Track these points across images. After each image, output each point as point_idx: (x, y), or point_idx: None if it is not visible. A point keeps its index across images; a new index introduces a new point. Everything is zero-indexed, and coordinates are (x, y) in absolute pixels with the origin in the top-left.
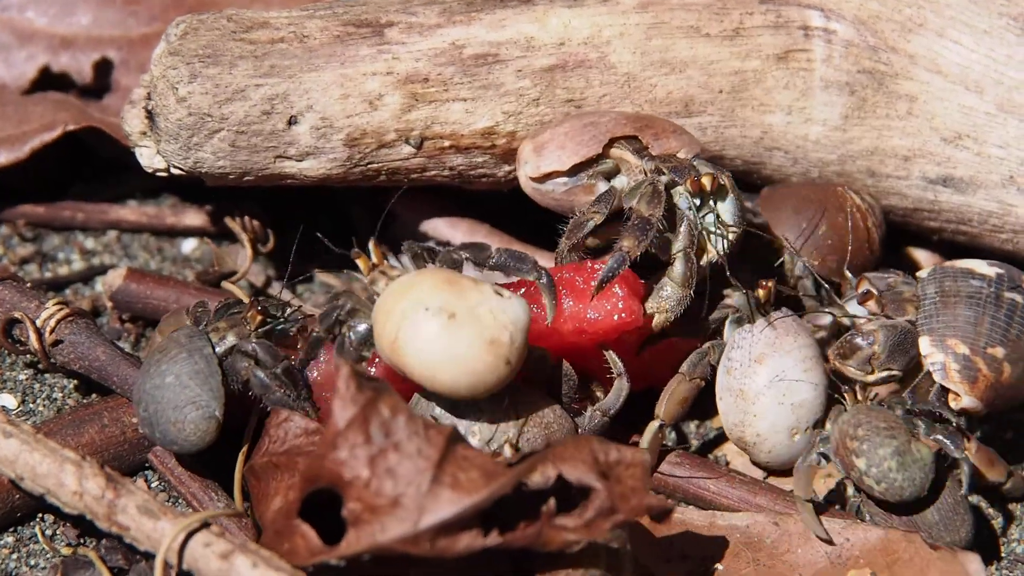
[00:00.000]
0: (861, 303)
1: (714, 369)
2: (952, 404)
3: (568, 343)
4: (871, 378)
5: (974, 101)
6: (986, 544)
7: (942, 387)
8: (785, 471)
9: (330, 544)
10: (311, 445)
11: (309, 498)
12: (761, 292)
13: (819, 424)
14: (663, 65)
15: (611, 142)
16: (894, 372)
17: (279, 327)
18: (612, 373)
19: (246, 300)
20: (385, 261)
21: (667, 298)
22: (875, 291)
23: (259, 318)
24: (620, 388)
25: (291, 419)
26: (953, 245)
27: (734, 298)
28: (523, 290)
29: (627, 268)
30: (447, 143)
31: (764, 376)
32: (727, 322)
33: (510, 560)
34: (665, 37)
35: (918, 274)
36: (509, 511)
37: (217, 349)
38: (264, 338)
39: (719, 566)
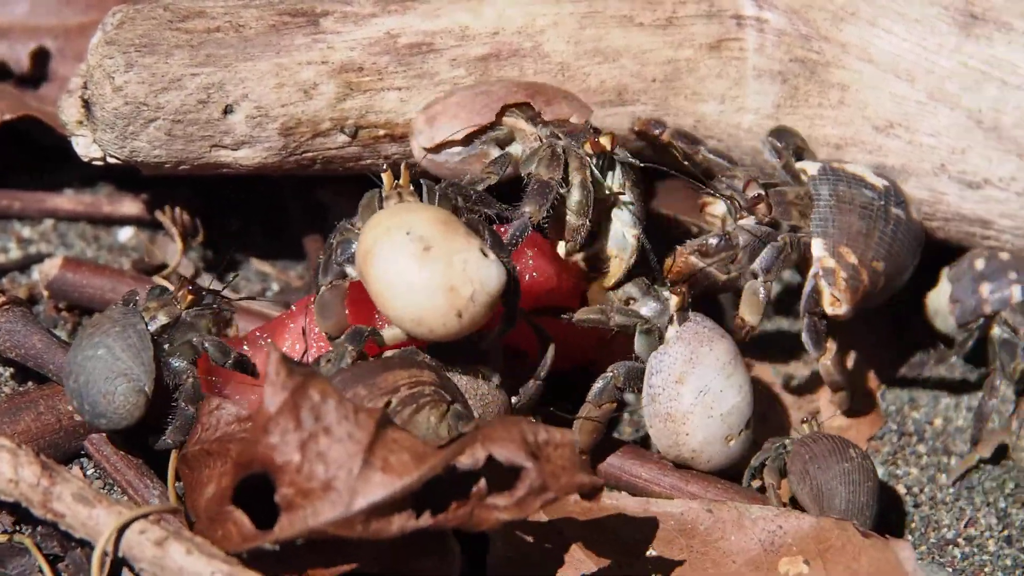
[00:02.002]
0: (751, 208)
1: (621, 390)
2: (829, 309)
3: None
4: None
5: (905, 90)
6: (917, 530)
7: (819, 289)
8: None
9: (264, 529)
10: (244, 432)
11: (243, 484)
12: (675, 299)
13: (751, 423)
14: (596, 54)
15: (503, 110)
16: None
17: (214, 309)
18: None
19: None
20: (412, 189)
21: (569, 228)
22: (764, 193)
23: (190, 297)
24: (547, 357)
25: (222, 407)
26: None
27: (643, 304)
28: None
29: (533, 232)
30: (382, 132)
31: (688, 395)
32: (637, 335)
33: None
34: (599, 26)
35: (806, 170)
36: (441, 493)
37: (150, 327)
38: (197, 319)
39: (652, 552)
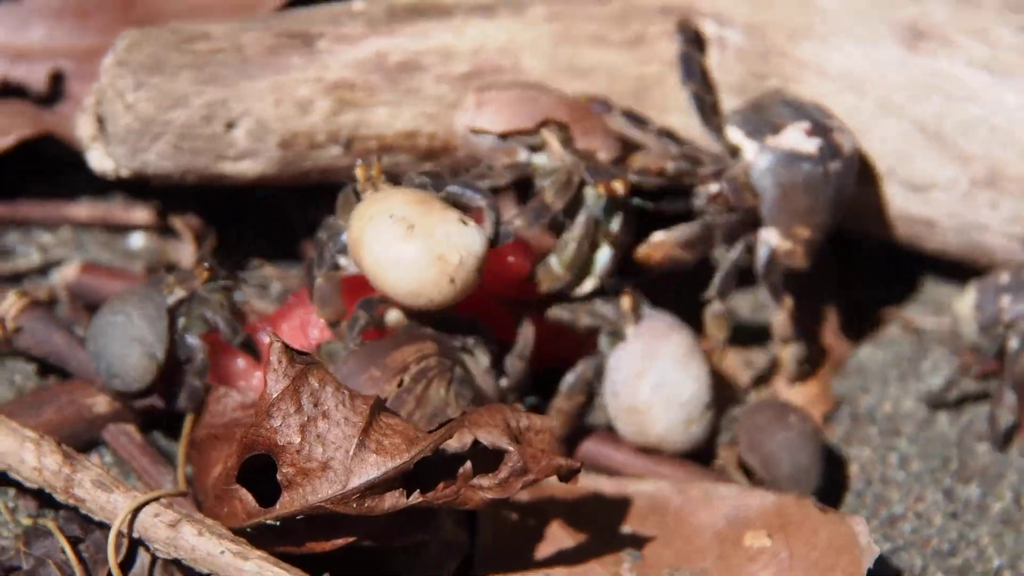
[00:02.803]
0: (712, 201)
1: (591, 385)
2: (787, 262)
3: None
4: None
5: (856, 101)
6: (870, 507)
7: (777, 262)
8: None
9: (267, 507)
10: (248, 417)
11: (247, 465)
12: (627, 300)
13: (711, 406)
14: (571, 70)
15: (544, 122)
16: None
17: (226, 285)
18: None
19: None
20: (384, 180)
21: (554, 276)
22: (720, 190)
23: (206, 274)
24: (526, 334)
25: (229, 394)
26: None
27: (604, 308)
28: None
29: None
30: (373, 143)
31: (648, 388)
32: (602, 335)
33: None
34: (572, 45)
35: (742, 149)
36: (432, 474)
37: (168, 300)
38: (211, 294)
39: (627, 528)
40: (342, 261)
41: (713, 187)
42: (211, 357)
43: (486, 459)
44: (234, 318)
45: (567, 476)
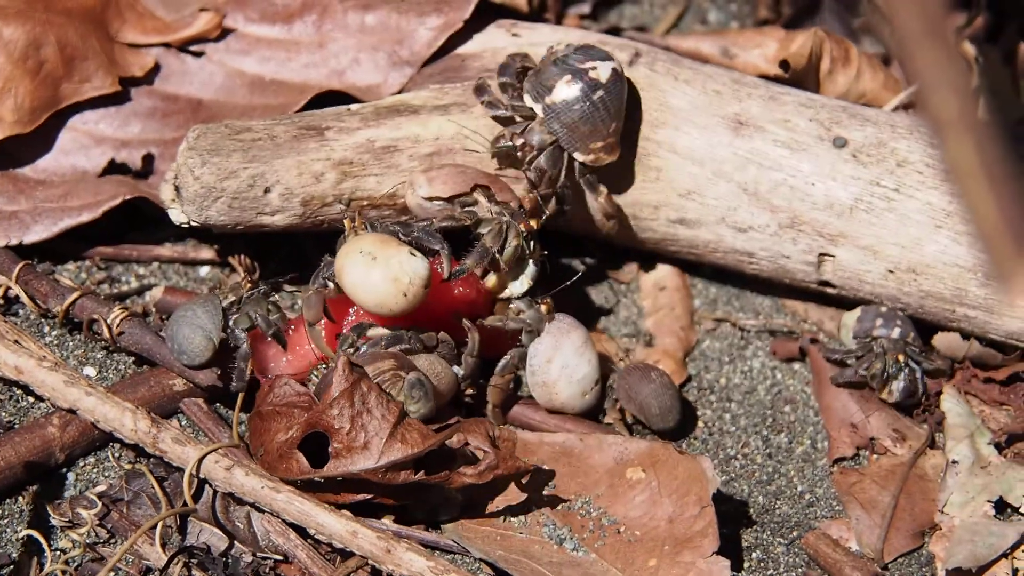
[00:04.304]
0: (521, 149)
1: (517, 368)
2: (597, 165)
3: (441, 307)
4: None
5: (698, 171)
6: (711, 450)
7: (596, 169)
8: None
9: (315, 468)
10: (302, 401)
11: (305, 438)
12: (544, 307)
13: (598, 383)
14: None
15: (475, 186)
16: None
17: (265, 292)
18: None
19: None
20: (364, 227)
21: (500, 269)
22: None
23: (249, 285)
24: (474, 338)
25: (288, 384)
26: (686, 262)
27: (527, 314)
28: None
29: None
30: (366, 203)
31: (555, 369)
32: (524, 333)
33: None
34: None
35: (532, 106)
36: (434, 458)
37: (223, 302)
38: (253, 298)
39: (545, 466)
40: (329, 284)
41: (519, 140)
42: (253, 346)
43: (471, 453)
44: (269, 317)
45: (522, 475)
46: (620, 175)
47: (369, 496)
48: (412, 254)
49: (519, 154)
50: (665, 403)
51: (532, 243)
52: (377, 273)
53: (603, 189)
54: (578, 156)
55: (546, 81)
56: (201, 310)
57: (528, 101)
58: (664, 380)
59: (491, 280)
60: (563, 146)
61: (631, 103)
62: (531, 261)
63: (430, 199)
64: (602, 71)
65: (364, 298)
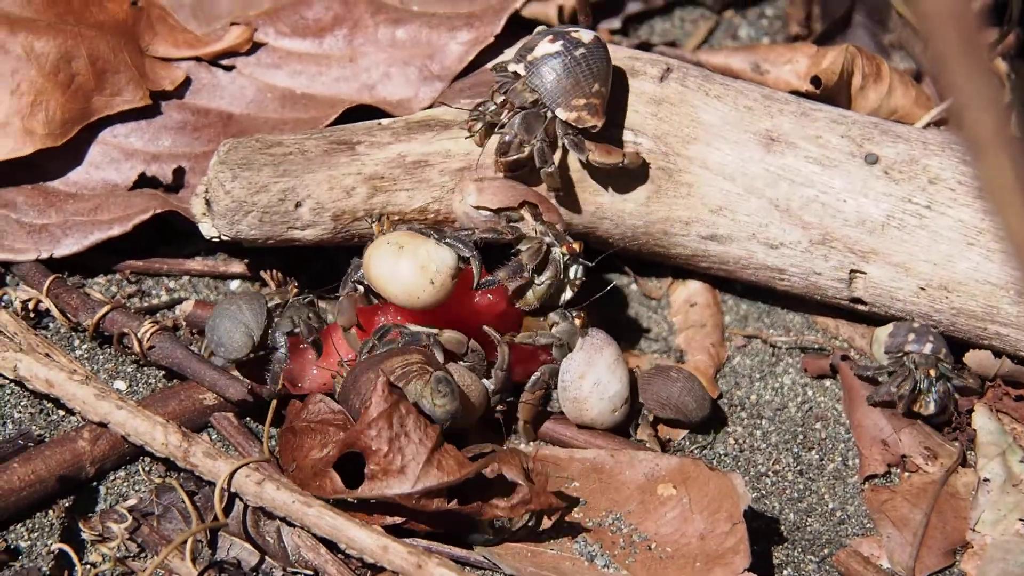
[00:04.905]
0: (502, 107)
1: (548, 384)
2: (592, 131)
3: (470, 318)
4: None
5: (729, 187)
6: (742, 467)
7: (579, 130)
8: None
9: (349, 489)
10: (336, 419)
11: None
12: (578, 321)
13: (628, 400)
14: None
15: (523, 203)
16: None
17: (307, 300)
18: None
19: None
20: (392, 228)
21: (528, 302)
22: (502, 97)
23: (294, 291)
24: (504, 352)
25: (324, 401)
26: (717, 278)
27: (560, 327)
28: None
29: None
30: (397, 217)
31: (588, 386)
32: (555, 348)
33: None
34: None
35: (513, 68)
36: (466, 490)
37: (269, 303)
38: (296, 304)
39: (575, 483)
40: (359, 287)
41: (499, 99)
42: (291, 350)
43: (504, 486)
44: (310, 324)
45: (553, 511)
46: (651, 190)
47: (400, 520)
48: (439, 244)
49: (501, 117)
50: (698, 393)
51: (573, 267)
52: (404, 261)
53: (591, 147)
54: (560, 113)
55: (530, 44)
56: (247, 306)
57: (511, 68)
58: (685, 373)
59: (524, 298)
60: (545, 102)
61: (617, 88)
62: (568, 286)
63: (477, 208)
64: (584, 35)
65: (392, 288)
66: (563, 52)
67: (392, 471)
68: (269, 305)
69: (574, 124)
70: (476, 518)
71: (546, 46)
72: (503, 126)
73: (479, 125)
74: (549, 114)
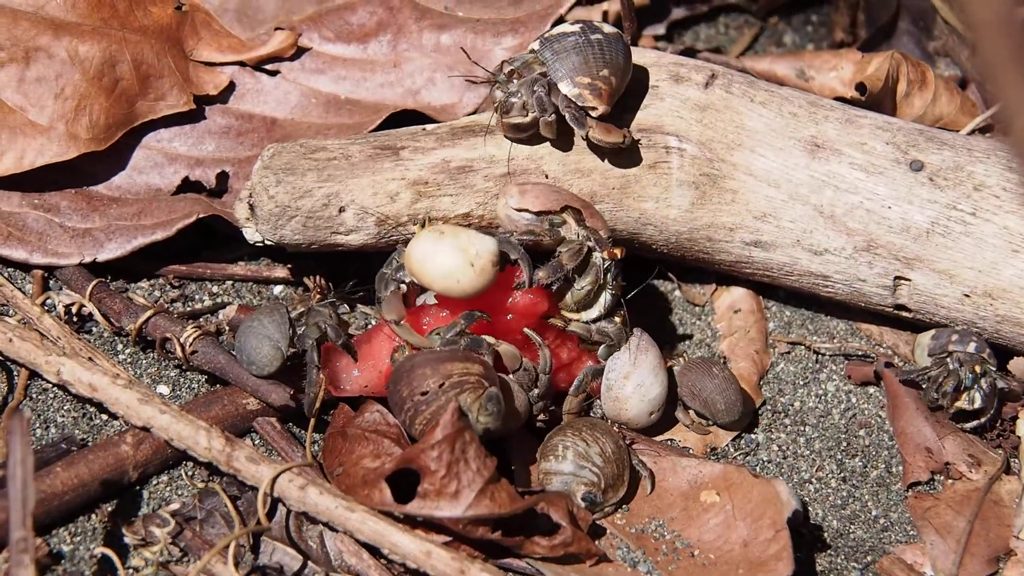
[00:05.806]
0: (510, 76)
1: (590, 384)
2: (592, 114)
3: (512, 319)
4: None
5: (774, 193)
6: (785, 473)
7: (580, 107)
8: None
9: (399, 503)
10: (391, 431)
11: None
12: (618, 319)
13: (665, 404)
14: (576, 172)
15: (565, 207)
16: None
17: (333, 302)
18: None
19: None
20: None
21: (567, 305)
22: (511, 67)
23: (318, 295)
24: (545, 356)
25: (378, 410)
26: (761, 284)
27: (609, 328)
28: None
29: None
30: (440, 223)
31: (631, 387)
32: (602, 347)
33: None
34: (577, 153)
35: (531, 47)
36: (512, 524)
37: (291, 312)
38: (322, 308)
39: None
40: (403, 284)
41: (508, 68)
42: (325, 361)
43: (548, 524)
44: (338, 326)
45: (591, 556)
46: (695, 196)
47: (446, 539)
48: (479, 232)
49: (510, 87)
50: (730, 397)
51: (611, 273)
52: (445, 245)
53: (591, 123)
54: (562, 87)
55: (555, 26)
56: (268, 320)
57: (534, 46)
58: (726, 374)
59: (563, 300)
60: (549, 74)
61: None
62: (608, 291)
63: (519, 210)
64: (606, 27)
65: (432, 273)
66: (579, 33)
67: (446, 494)
68: (292, 315)
69: (575, 100)
70: (516, 550)
71: (565, 27)
72: (508, 88)
73: (496, 95)
74: (548, 84)
